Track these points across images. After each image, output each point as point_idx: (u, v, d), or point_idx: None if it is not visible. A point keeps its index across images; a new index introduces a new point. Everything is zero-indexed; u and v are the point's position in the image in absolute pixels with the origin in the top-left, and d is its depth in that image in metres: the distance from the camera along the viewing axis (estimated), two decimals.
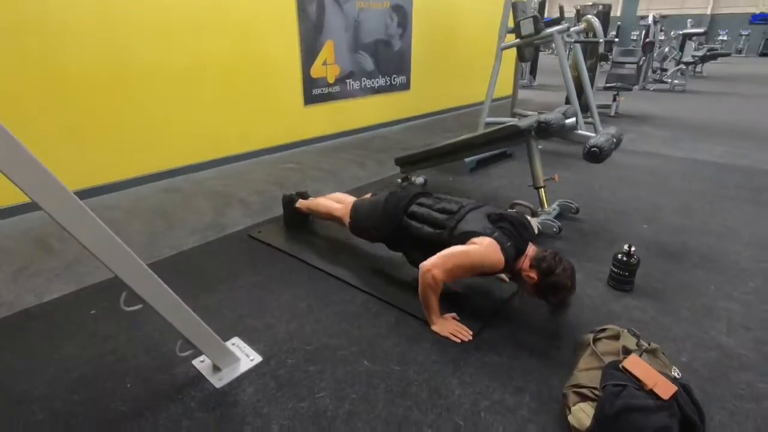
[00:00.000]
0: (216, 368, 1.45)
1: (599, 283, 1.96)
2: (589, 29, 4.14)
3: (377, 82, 5.05)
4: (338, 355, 1.53)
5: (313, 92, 4.40)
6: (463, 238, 1.67)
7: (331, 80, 4.52)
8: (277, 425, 1.25)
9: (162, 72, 3.20)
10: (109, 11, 2.87)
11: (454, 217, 1.78)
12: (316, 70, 4.33)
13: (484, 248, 1.61)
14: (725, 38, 18.65)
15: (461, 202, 1.88)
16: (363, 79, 4.88)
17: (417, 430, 1.23)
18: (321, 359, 1.51)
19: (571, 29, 3.93)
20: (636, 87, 8.23)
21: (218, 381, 1.41)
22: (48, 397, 1.35)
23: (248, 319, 1.72)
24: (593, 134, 2.33)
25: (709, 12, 21.25)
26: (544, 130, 2.19)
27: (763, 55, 19.75)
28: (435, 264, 1.59)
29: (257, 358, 1.51)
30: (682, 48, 9.43)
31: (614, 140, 2.14)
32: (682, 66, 8.90)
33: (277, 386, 1.39)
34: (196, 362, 1.49)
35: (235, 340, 1.60)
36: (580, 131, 2.25)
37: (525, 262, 1.65)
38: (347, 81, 4.69)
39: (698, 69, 11.45)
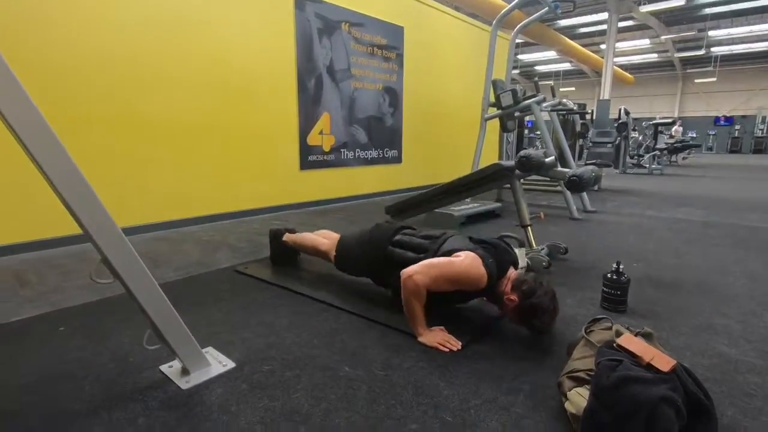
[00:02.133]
0: (185, 371, 1.34)
1: (593, 307, 1.90)
2: (563, 104, 4.53)
3: (370, 154, 5.33)
4: (318, 362, 1.43)
5: (309, 158, 4.62)
6: (447, 255, 1.66)
7: (326, 149, 4.78)
8: (245, 421, 1.12)
9: (162, 129, 3.39)
10: (116, 65, 3.12)
11: (437, 241, 1.80)
12: (313, 139, 4.60)
13: (468, 260, 1.60)
14: (694, 136, 20.20)
15: (444, 231, 1.91)
16: (357, 150, 5.16)
17: (401, 426, 1.11)
18: (299, 366, 1.40)
19: (547, 102, 4.30)
20: (616, 171, 8.72)
21: (185, 383, 1.29)
22: None
23: (225, 334, 1.63)
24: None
25: (676, 114, 23.28)
26: (525, 165, 2.29)
27: (732, 152, 21.20)
28: (417, 270, 1.56)
29: (230, 365, 1.40)
30: (655, 137, 10.18)
31: (593, 174, 2.23)
32: (657, 152, 9.52)
33: (250, 388, 1.27)
34: (163, 367, 1.38)
35: (209, 349, 1.50)
36: (559, 168, 2.35)
37: (507, 285, 1.63)
38: (342, 150, 4.96)
39: (673, 158, 12.24)
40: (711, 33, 15.99)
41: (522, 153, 2.31)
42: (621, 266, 1.84)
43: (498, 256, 1.68)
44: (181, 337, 1.29)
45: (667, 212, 4.40)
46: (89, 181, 1.06)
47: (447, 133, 6.54)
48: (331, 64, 4.70)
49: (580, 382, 1.11)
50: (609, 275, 1.85)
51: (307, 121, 4.51)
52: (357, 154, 5.17)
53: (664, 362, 1.03)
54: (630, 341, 1.10)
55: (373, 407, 1.18)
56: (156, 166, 3.39)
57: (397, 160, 5.76)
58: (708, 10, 14.46)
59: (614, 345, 1.11)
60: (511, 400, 1.21)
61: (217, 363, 1.41)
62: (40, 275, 2.34)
